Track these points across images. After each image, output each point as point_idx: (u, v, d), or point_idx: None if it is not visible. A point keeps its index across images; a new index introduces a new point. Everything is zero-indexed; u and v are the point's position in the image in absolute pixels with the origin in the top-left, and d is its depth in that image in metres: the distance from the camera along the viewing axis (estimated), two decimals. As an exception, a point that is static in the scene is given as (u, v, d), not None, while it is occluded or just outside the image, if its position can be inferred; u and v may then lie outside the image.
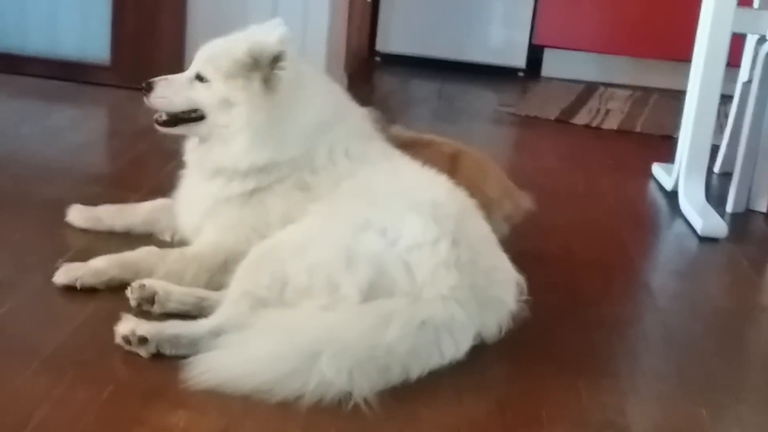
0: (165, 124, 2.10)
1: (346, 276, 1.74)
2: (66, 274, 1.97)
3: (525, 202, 2.33)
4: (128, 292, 1.88)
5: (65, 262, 2.01)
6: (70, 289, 1.94)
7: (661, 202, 3.18)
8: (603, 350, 1.97)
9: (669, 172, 3.26)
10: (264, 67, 1.97)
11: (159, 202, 2.30)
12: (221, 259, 1.98)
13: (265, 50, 1.97)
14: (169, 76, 2.08)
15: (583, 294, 2.23)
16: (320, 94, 2.09)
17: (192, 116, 2.05)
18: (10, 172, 2.74)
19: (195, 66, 2.05)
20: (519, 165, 3.56)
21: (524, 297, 1.90)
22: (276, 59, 1.97)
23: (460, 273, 1.77)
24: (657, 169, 3.41)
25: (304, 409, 1.57)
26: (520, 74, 5.35)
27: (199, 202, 2.09)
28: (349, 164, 2.03)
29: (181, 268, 1.97)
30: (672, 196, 3.15)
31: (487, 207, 2.06)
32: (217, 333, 1.69)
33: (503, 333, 1.85)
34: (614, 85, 5.24)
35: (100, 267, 1.99)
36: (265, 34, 2.01)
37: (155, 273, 1.97)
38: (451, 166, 2.15)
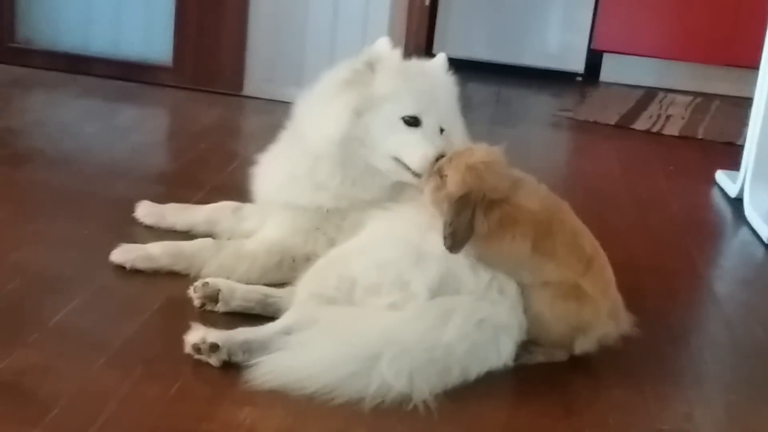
0: None
1: (415, 273, 1.72)
2: (121, 254, 2.03)
3: (625, 323, 1.86)
4: (191, 291, 1.88)
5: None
6: (136, 284, 1.97)
7: (725, 209, 3.12)
8: (669, 357, 1.94)
9: (733, 179, 3.21)
10: None
11: (221, 204, 2.31)
12: (276, 260, 1.99)
13: None
14: None
15: (648, 301, 2.19)
16: None
17: None
18: (76, 169, 2.78)
19: None
20: (579, 170, 3.54)
21: None
22: None
23: None
24: (721, 176, 3.35)
25: (369, 408, 1.56)
26: (578, 79, 5.30)
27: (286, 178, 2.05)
28: None
29: (233, 263, 1.98)
30: (736, 203, 3.10)
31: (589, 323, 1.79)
32: (285, 335, 1.68)
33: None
34: (674, 90, 5.17)
35: (154, 253, 2.02)
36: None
37: (207, 266, 1.98)
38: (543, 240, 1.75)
